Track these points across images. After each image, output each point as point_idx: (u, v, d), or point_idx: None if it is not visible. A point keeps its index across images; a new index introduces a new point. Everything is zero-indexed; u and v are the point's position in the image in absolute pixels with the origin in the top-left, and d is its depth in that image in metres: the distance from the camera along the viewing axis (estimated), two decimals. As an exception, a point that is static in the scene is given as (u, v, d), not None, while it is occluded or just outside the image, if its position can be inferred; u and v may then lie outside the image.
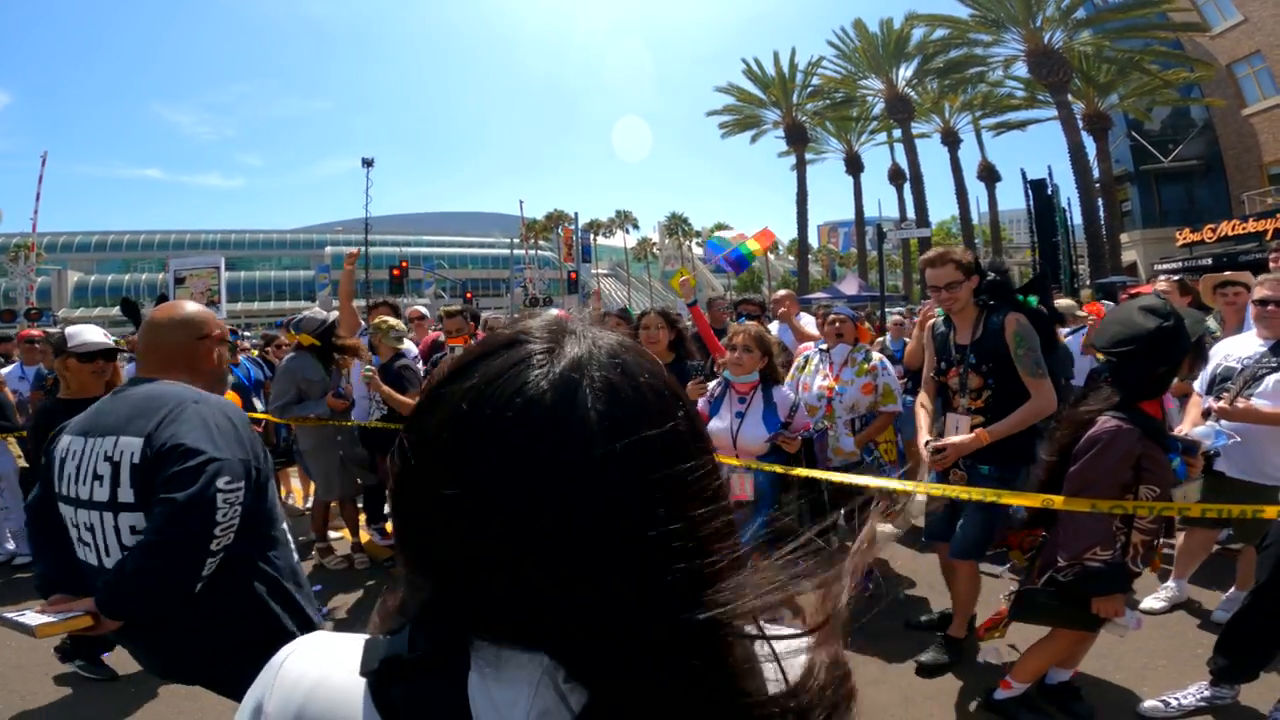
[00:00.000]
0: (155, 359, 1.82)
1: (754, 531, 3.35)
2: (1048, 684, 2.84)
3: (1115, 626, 2.50)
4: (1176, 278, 5.39)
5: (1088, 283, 26.48)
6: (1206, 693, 2.73)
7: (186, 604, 1.57)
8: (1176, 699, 2.74)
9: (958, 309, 3.13)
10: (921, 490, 3.25)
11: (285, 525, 1.85)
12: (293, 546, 1.87)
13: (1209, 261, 21.39)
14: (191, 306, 1.92)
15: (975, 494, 2.87)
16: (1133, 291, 9.61)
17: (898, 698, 2.99)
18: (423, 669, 0.48)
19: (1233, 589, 3.48)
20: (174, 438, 1.55)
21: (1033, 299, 3.05)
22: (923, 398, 3.41)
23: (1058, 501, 2.46)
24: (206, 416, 1.62)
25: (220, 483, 1.51)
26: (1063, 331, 5.87)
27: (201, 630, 1.65)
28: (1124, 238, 30.79)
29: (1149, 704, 2.77)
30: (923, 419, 3.33)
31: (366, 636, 0.52)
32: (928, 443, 3.13)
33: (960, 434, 3.07)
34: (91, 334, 3.17)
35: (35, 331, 6.16)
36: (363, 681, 0.50)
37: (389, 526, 4.79)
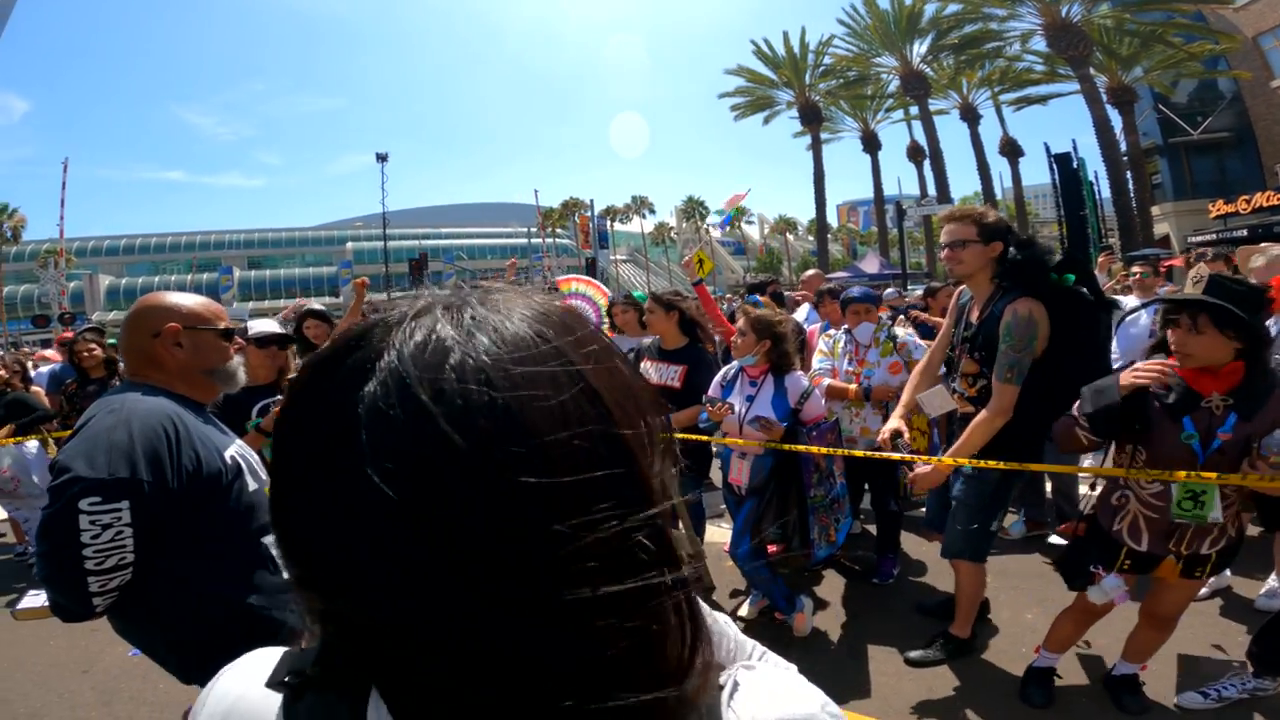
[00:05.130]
0: (129, 360, 1.74)
1: (745, 515, 3.34)
2: (1113, 675, 2.74)
3: (1096, 591, 2.45)
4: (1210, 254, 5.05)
5: (1119, 256, 25.89)
6: (1249, 684, 2.60)
7: (137, 613, 1.56)
8: (1216, 690, 2.62)
9: (961, 273, 2.79)
10: (934, 462, 3.10)
11: (268, 539, 1.67)
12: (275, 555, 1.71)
13: (1244, 233, 20.90)
14: (155, 299, 1.74)
15: (992, 462, 2.70)
16: (1166, 264, 9.33)
17: (923, 691, 2.91)
18: (327, 684, 0.45)
19: (1273, 576, 3.33)
20: (62, 451, 1.50)
21: (1070, 276, 2.63)
22: (918, 369, 3.20)
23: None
24: (105, 429, 1.50)
25: (84, 503, 1.40)
26: (1131, 305, 4.99)
27: (168, 637, 1.63)
28: (1155, 210, 30.08)
29: (1188, 695, 2.65)
30: (905, 394, 3.15)
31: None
32: (893, 434, 2.90)
33: (932, 408, 2.97)
34: (266, 325, 3.32)
35: (69, 334, 6.28)
36: (280, 695, 0.48)
37: None
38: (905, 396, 3.15)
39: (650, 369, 3.99)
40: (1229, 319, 2.10)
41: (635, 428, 0.42)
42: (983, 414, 2.66)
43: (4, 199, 55.43)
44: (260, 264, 57.86)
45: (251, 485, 1.69)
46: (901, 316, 5.89)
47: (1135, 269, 5.51)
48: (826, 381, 3.90)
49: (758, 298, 5.38)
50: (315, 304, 5.04)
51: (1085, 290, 2.65)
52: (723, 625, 0.73)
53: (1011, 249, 2.71)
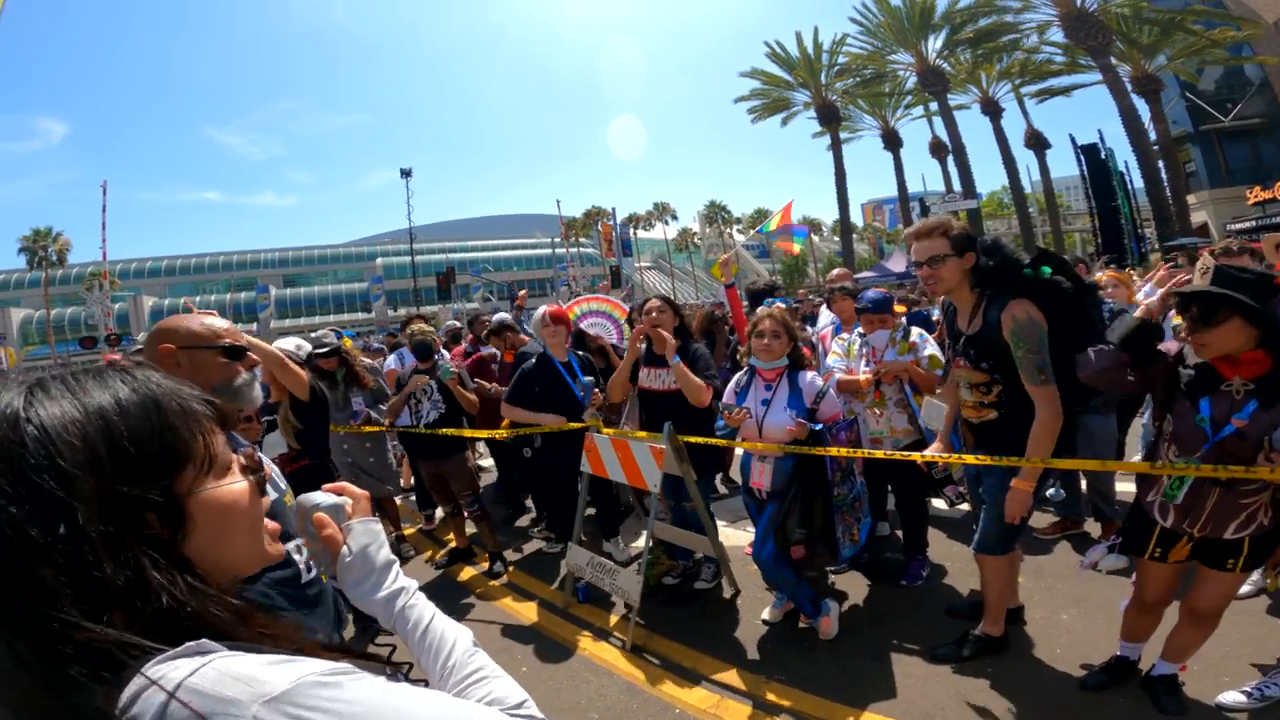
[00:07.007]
0: None
1: (768, 519, 3.32)
2: (1151, 675, 2.66)
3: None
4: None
5: (1155, 246, 25.36)
6: (1295, 684, 2.52)
7: None
8: (1260, 689, 2.53)
9: (941, 290, 2.78)
10: (958, 461, 3.11)
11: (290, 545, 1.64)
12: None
13: (1285, 218, 20.23)
14: (164, 323, 1.74)
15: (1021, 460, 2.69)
16: (1206, 252, 9.09)
17: (951, 694, 2.84)
18: None
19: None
20: None
21: (1046, 269, 2.65)
22: (946, 390, 3.25)
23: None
24: None
25: None
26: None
27: None
28: (1191, 199, 29.29)
29: (1230, 695, 2.56)
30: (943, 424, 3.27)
31: None
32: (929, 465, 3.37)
33: (939, 421, 3.24)
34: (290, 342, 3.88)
35: (115, 355, 6.53)
36: None
37: (439, 514, 5.72)
38: (943, 427, 3.28)
39: (648, 375, 4.07)
40: (1236, 306, 2.07)
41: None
42: (1036, 426, 2.63)
43: (48, 223, 57.22)
44: (295, 282, 59.11)
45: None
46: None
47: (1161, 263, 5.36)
48: (837, 376, 3.87)
49: (778, 300, 5.33)
50: (330, 334, 5.32)
51: (1063, 279, 2.64)
52: (440, 638, 0.91)
53: (982, 256, 2.71)
